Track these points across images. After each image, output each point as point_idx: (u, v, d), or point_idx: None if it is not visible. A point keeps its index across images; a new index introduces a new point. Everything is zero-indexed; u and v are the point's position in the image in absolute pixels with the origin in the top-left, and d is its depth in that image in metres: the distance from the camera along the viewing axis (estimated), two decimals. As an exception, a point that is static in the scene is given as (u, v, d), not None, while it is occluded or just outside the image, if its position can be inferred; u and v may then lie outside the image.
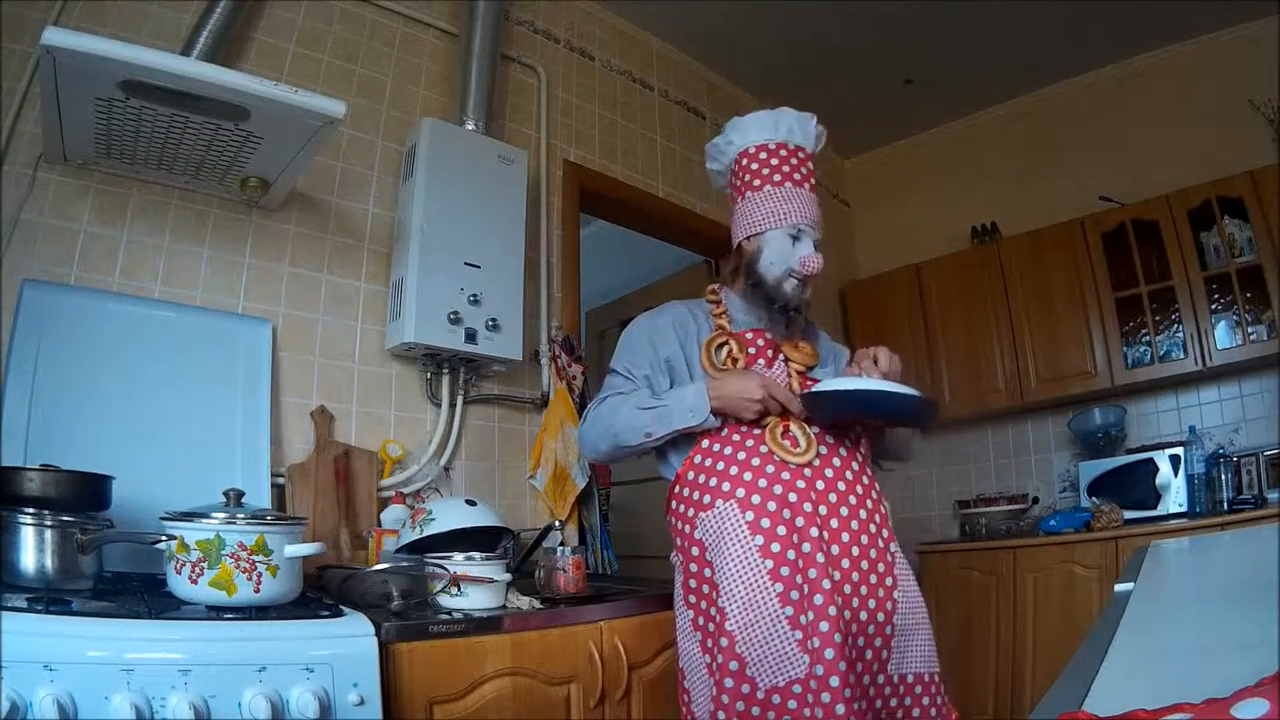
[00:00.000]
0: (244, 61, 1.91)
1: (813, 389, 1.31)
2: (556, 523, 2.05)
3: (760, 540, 1.22)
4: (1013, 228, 3.39)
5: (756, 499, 1.25)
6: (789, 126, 1.46)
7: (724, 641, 1.20)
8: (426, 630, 1.27)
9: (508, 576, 1.48)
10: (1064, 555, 2.71)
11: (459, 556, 1.43)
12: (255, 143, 1.56)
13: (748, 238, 1.42)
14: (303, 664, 1.07)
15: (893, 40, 3.11)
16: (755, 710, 1.17)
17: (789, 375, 1.41)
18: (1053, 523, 2.82)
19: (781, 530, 1.23)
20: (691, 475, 1.34)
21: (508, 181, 2.16)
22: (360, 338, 2.02)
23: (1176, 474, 2.73)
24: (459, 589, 1.41)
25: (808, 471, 1.28)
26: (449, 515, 1.53)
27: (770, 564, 1.21)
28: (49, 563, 1.11)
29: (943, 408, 3.40)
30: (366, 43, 2.19)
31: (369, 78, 2.17)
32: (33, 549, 1.10)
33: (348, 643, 1.15)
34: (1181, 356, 2.86)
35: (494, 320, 2.02)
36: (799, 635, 1.17)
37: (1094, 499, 2.86)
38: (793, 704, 1.15)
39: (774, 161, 1.43)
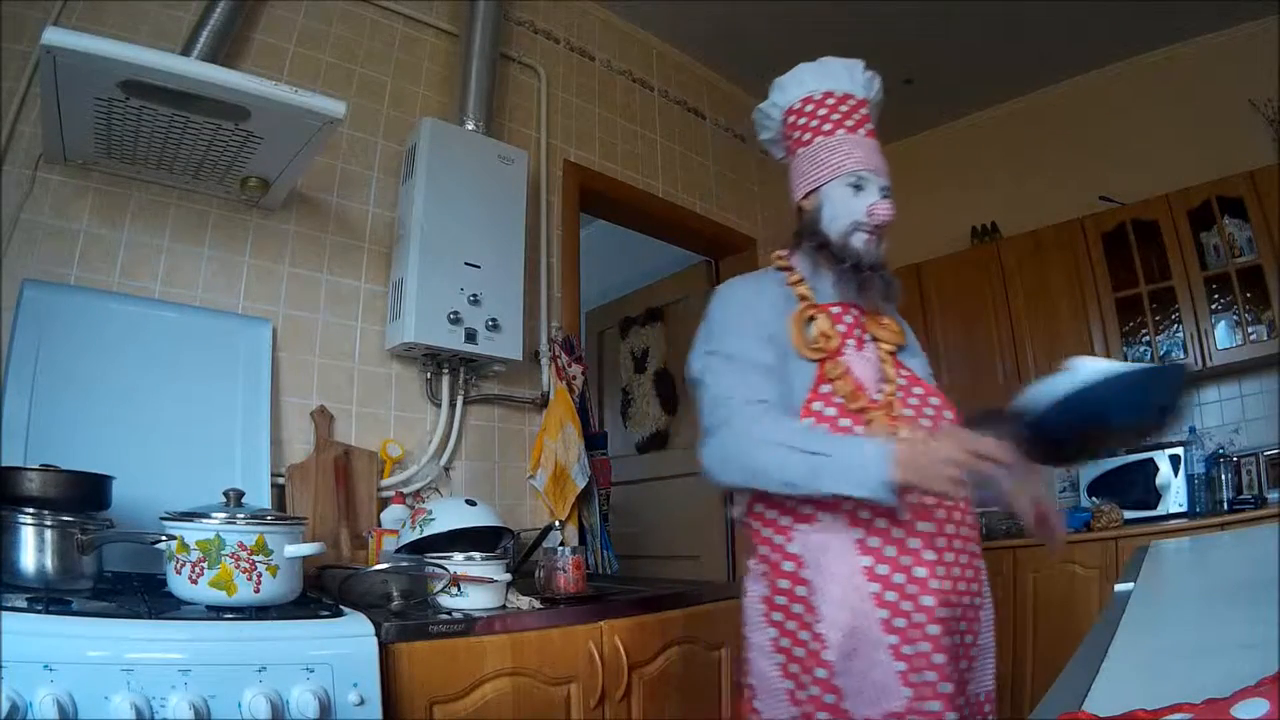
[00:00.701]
0: (244, 61, 1.91)
1: (1032, 408, 1.01)
2: (556, 523, 2.05)
3: (868, 560, 1.08)
4: (1013, 228, 3.39)
5: (865, 513, 1.08)
6: (835, 74, 1.31)
7: (820, 672, 1.08)
8: (426, 630, 1.27)
9: (508, 576, 1.48)
10: (1064, 555, 2.71)
11: (459, 556, 1.43)
12: (255, 143, 1.56)
13: (805, 196, 1.26)
14: (303, 664, 1.07)
15: (893, 40, 3.11)
16: None
17: (880, 359, 1.20)
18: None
19: (891, 551, 1.08)
20: None
21: (508, 181, 2.16)
22: (360, 338, 2.02)
23: (1176, 474, 2.73)
24: (459, 589, 1.41)
25: (938, 511, 1.12)
26: (449, 515, 1.53)
27: (877, 587, 1.07)
28: (49, 563, 1.11)
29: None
30: (366, 43, 2.19)
31: (369, 78, 2.17)
32: (33, 549, 1.10)
33: (348, 643, 1.15)
34: (1182, 356, 2.85)
35: (494, 320, 2.02)
36: (902, 667, 1.05)
37: (1094, 499, 2.86)
38: None
39: (822, 112, 1.28)
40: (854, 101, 1.30)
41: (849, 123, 1.27)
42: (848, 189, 1.22)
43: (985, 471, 0.96)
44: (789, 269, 1.27)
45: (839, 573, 1.09)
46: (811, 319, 1.19)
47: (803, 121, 1.30)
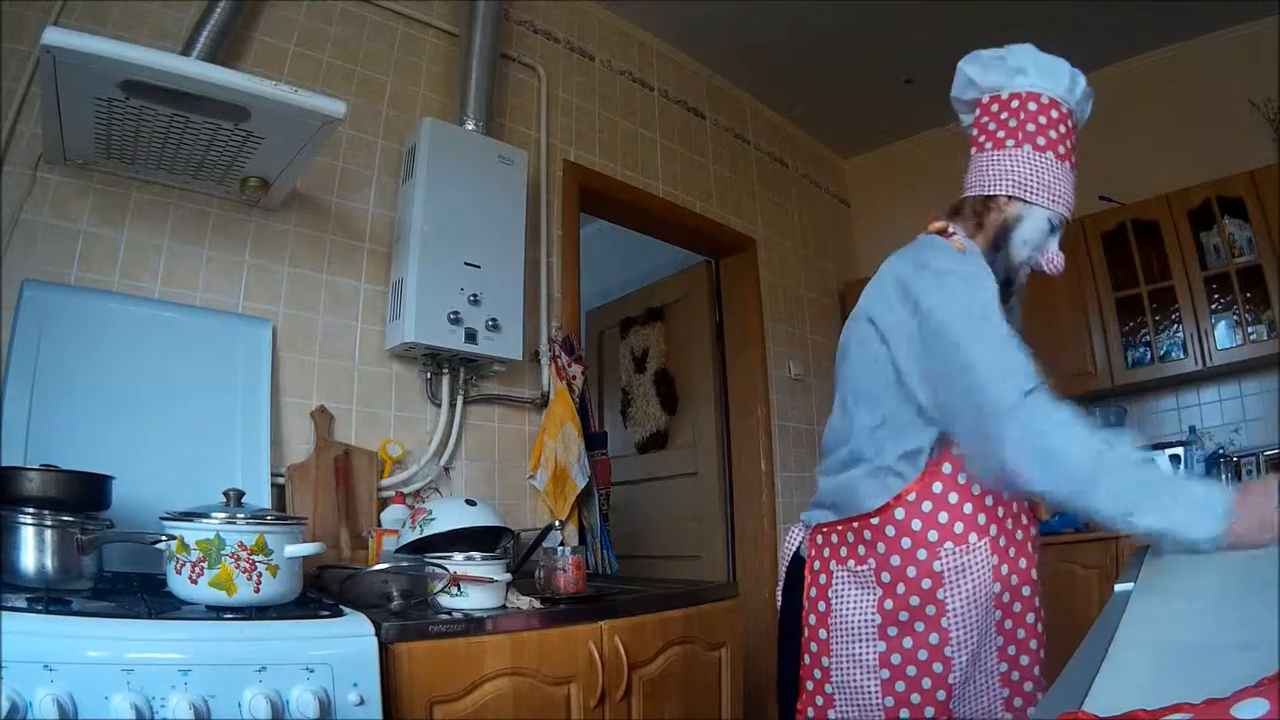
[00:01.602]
0: (244, 61, 1.91)
1: None
2: (556, 523, 2.05)
3: (997, 588, 1.08)
4: (1013, 228, 3.38)
5: (1003, 540, 1.09)
6: (1081, 93, 1.23)
7: (940, 694, 1.06)
8: (426, 630, 1.27)
9: (508, 576, 1.48)
10: (1064, 555, 2.71)
11: (459, 556, 1.43)
12: (255, 143, 1.56)
13: (1011, 197, 1.19)
14: (303, 664, 1.07)
15: (893, 40, 3.11)
16: None
17: None
18: (1053, 522, 2.81)
19: (1014, 580, 1.11)
20: (955, 497, 1.09)
21: (508, 181, 2.16)
22: (360, 338, 2.02)
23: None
24: (459, 589, 1.41)
25: (1023, 519, 1.15)
26: (449, 515, 1.53)
27: (999, 614, 1.09)
28: (49, 563, 1.11)
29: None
30: (366, 43, 2.19)
31: (369, 78, 2.17)
32: (33, 549, 1.10)
33: (348, 643, 1.15)
34: (1181, 356, 2.86)
35: (494, 320, 2.02)
36: (1006, 693, 1.10)
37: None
38: None
39: (1061, 129, 1.19)
40: (1071, 124, 1.23)
41: (1072, 159, 1.21)
42: (1048, 224, 1.19)
43: None
44: (962, 249, 1.18)
45: (976, 599, 1.07)
46: None
47: (1042, 121, 1.19)
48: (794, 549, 1.28)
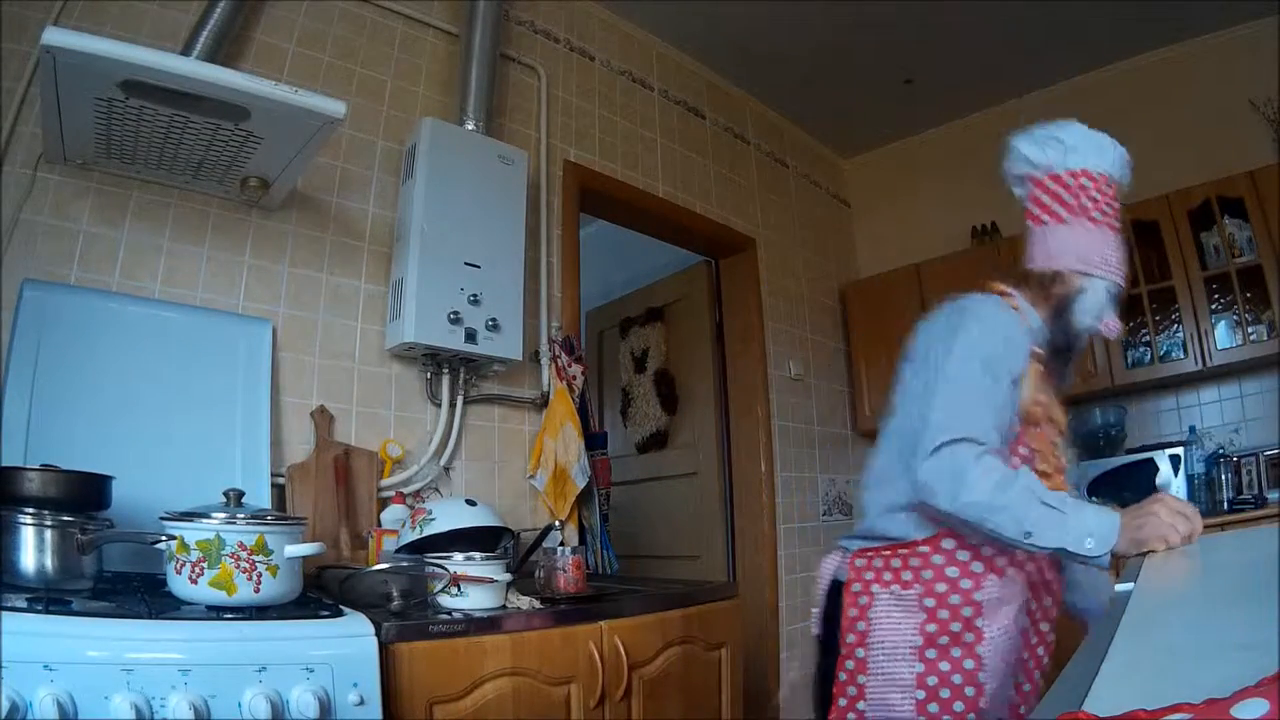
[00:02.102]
0: (244, 61, 1.91)
1: None
2: (556, 523, 2.05)
3: (1026, 621, 1.19)
4: (1013, 228, 3.38)
5: (1035, 574, 1.19)
6: (1117, 161, 1.36)
7: (971, 717, 1.12)
8: (426, 630, 1.27)
9: (508, 576, 1.48)
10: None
11: (459, 556, 1.43)
12: (255, 143, 1.56)
13: (1075, 271, 1.28)
14: (303, 664, 1.07)
15: (893, 40, 3.11)
16: None
17: (1052, 447, 1.24)
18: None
19: (1039, 614, 1.22)
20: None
21: (508, 181, 2.16)
22: (360, 338, 2.02)
23: (1176, 474, 2.73)
24: (459, 589, 1.41)
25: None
26: (449, 515, 1.53)
27: (1025, 653, 1.21)
28: (49, 563, 1.11)
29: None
30: (366, 43, 2.19)
31: (369, 78, 2.17)
32: (33, 549, 1.10)
33: (348, 643, 1.15)
34: (1181, 356, 2.86)
35: (494, 320, 2.02)
36: (1024, 710, 1.18)
37: (1094, 499, 2.86)
38: None
39: (1113, 202, 1.31)
40: (1119, 201, 1.34)
41: (1116, 222, 1.31)
42: (1106, 294, 1.28)
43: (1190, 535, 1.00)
44: (1019, 313, 1.27)
45: (1008, 629, 1.15)
46: (1033, 375, 1.23)
47: (1097, 197, 1.30)
48: (830, 575, 1.32)
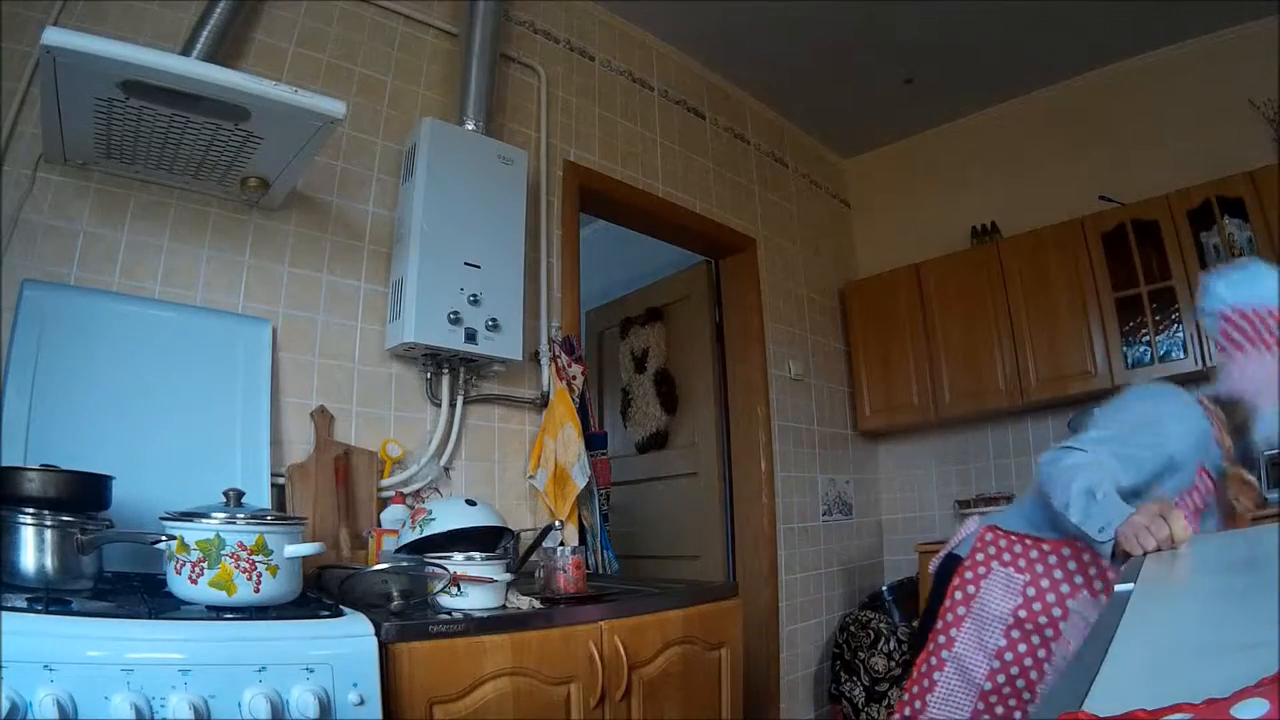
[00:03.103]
0: (244, 61, 1.91)
1: None
2: (556, 523, 2.05)
3: (1094, 617, 1.28)
4: (1012, 228, 3.39)
5: (1080, 579, 1.30)
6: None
7: (1026, 695, 1.26)
8: (426, 630, 1.27)
9: (508, 576, 1.48)
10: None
11: (459, 556, 1.43)
12: (255, 143, 1.56)
13: (1244, 392, 1.40)
14: (303, 664, 1.07)
15: (893, 40, 3.11)
16: None
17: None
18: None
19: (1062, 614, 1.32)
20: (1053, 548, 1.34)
21: (508, 181, 2.16)
22: (360, 338, 2.02)
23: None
24: (459, 589, 1.41)
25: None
26: (449, 515, 1.53)
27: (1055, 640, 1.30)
28: (49, 563, 1.11)
29: (943, 407, 3.40)
30: (366, 43, 2.19)
31: (369, 78, 2.17)
32: (33, 549, 1.10)
33: (348, 643, 1.15)
34: (1181, 356, 2.85)
35: (494, 320, 2.02)
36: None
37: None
38: None
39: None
40: None
41: None
42: (1275, 418, 1.36)
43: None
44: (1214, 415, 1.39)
45: (1078, 641, 1.23)
46: (1227, 478, 1.35)
47: (1273, 328, 1.38)
48: (960, 540, 1.48)
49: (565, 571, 1.67)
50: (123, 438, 1.51)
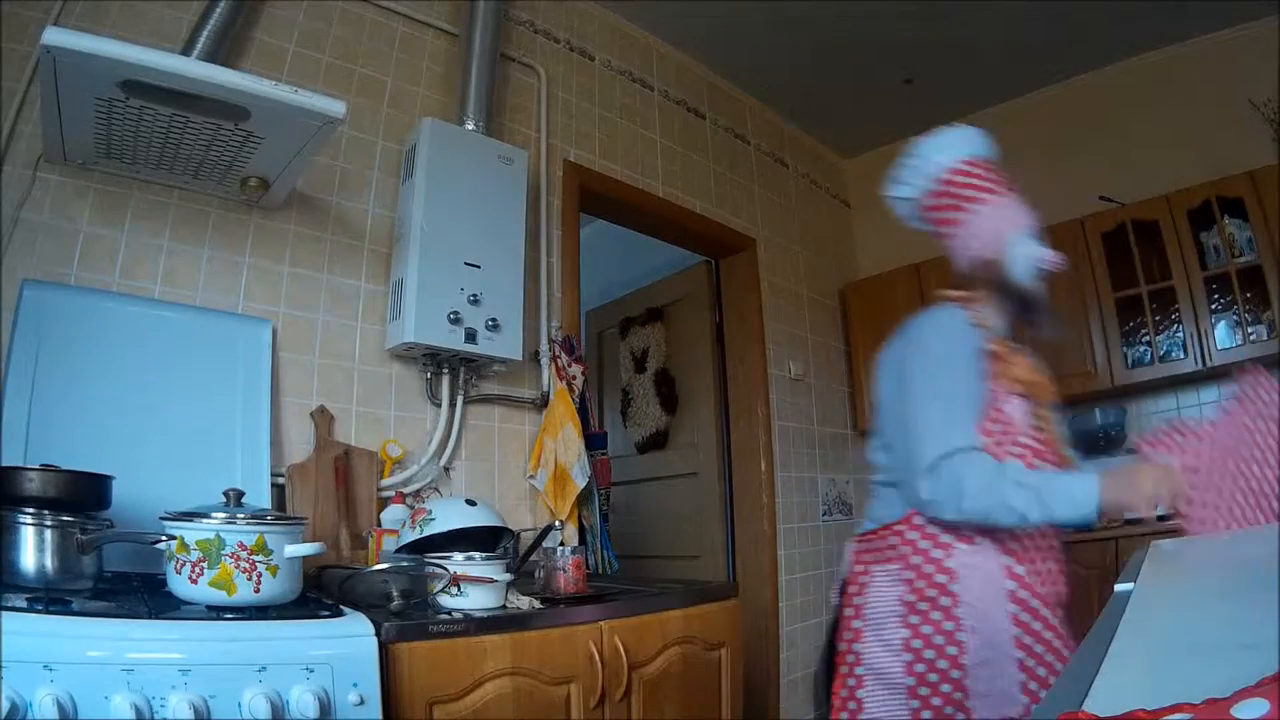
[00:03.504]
0: (244, 61, 1.91)
1: None
2: (556, 523, 2.06)
3: (1010, 585, 1.24)
4: (1012, 228, 3.38)
5: (1014, 544, 1.26)
6: (982, 142, 1.49)
7: (954, 673, 1.22)
8: (426, 630, 1.27)
9: (508, 576, 1.48)
10: (1064, 555, 2.70)
11: (459, 556, 1.43)
12: (255, 143, 1.56)
13: (991, 248, 1.41)
14: (303, 664, 1.07)
15: (893, 40, 3.11)
16: None
17: (1035, 416, 1.33)
18: (1053, 523, 2.81)
19: (1030, 578, 1.27)
20: None
21: (508, 181, 2.16)
22: (360, 338, 2.02)
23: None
24: (459, 589, 1.41)
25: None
26: (449, 515, 1.53)
27: (1014, 609, 1.24)
28: (49, 563, 1.11)
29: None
30: (366, 43, 2.19)
31: (369, 78, 2.17)
32: (33, 549, 1.10)
33: (348, 643, 1.15)
34: (1181, 356, 2.85)
35: (494, 320, 2.02)
36: (1023, 678, 1.21)
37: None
38: None
39: (988, 175, 1.43)
40: (988, 163, 1.47)
41: (998, 187, 1.43)
42: (1027, 239, 1.38)
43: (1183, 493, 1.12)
44: (973, 310, 1.39)
45: (986, 592, 1.23)
46: (997, 356, 1.33)
47: (974, 181, 1.43)
48: (845, 565, 1.45)
49: (565, 571, 1.67)
50: (123, 438, 1.51)
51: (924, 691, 1.23)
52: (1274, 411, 1.11)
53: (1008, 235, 1.38)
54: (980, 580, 1.24)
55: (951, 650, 1.22)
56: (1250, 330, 2.74)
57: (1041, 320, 1.42)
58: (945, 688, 1.21)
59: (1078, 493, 1.16)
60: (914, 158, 1.49)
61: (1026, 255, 1.37)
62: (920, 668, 1.24)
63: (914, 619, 1.26)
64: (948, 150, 1.45)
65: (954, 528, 1.24)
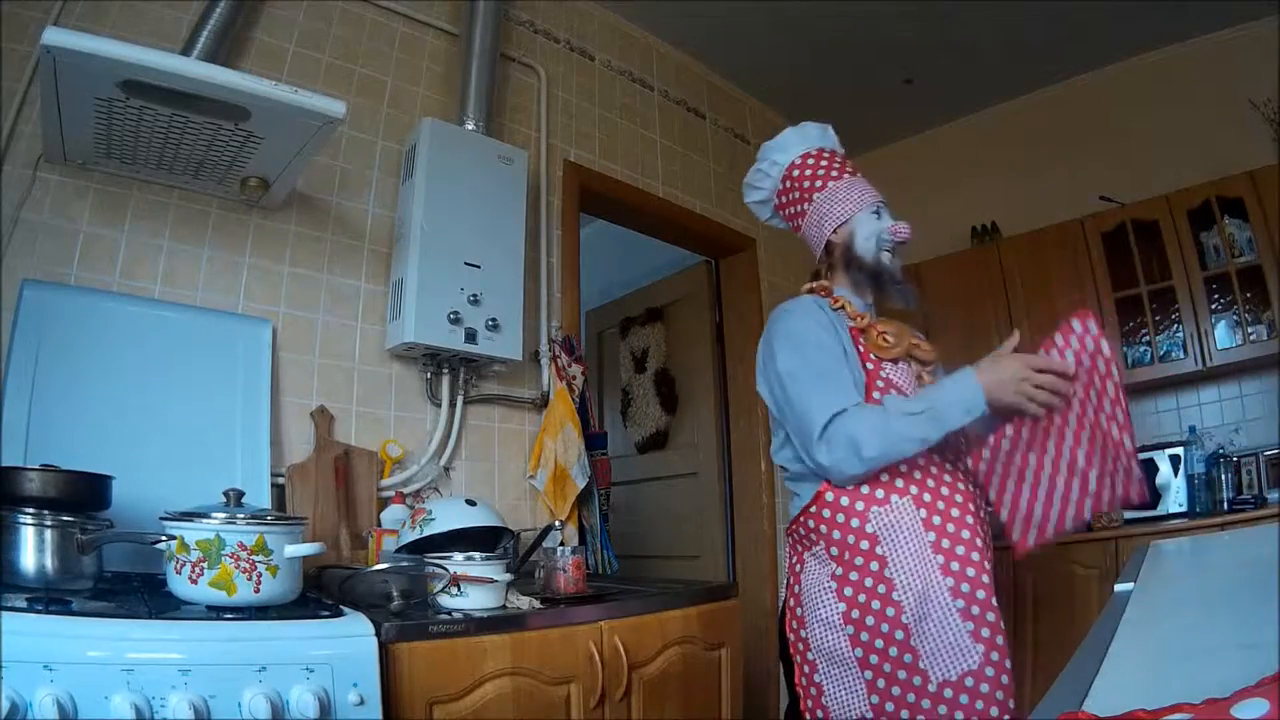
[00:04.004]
0: (244, 61, 1.91)
1: None
2: (556, 523, 2.05)
3: (932, 536, 1.24)
4: (1013, 228, 3.38)
5: (927, 496, 1.27)
6: (818, 135, 1.54)
7: (898, 634, 1.21)
8: (426, 630, 1.27)
9: (508, 576, 1.48)
10: (1064, 555, 2.71)
11: (459, 556, 1.43)
12: (255, 143, 1.56)
13: (835, 230, 1.46)
14: (303, 664, 1.07)
15: (893, 40, 3.11)
16: (925, 704, 1.18)
17: (914, 373, 1.39)
18: (1052, 523, 2.81)
19: (950, 527, 1.26)
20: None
21: (508, 181, 2.16)
22: (360, 338, 2.02)
23: (1176, 474, 2.73)
24: (459, 589, 1.41)
25: (957, 467, 1.33)
26: (449, 515, 1.53)
27: (941, 559, 1.23)
28: (49, 563, 1.11)
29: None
30: (366, 43, 2.19)
31: (369, 78, 2.17)
32: (33, 549, 1.10)
33: (348, 643, 1.15)
34: (1181, 356, 2.85)
35: (494, 320, 2.02)
36: (970, 626, 1.20)
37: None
38: (964, 698, 1.17)
39: (823, 163, 1.49)
40: (841, 155, 1.54)
41: (848, 170, 1.49)
42: (872, 216, 1.44)
43: (1056, 369, 1.21)
44: (830, 295, 1.44)
45: (911, 548, 1.23)
46: (864, 331, 1.38)
47: (809, 172, 1.49)
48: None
49: (565, 571, 1.67)
50: (123, 438, 1.51)
51: (874, 660, 1.23)
52: (1097, 358, 1.25)
53: (852, 216, 1.43)
54: (903, 538, 1.24)
55: (890, 612, 1.22)
56: (1250, 330, 2.74)
57: (895, 291, 1.44)
58: (893, 651, 1.21)
59: (963, 391, 1.20)
60: (760, 161, 1.56)
61: (868, 231, 1.42)
62: (865, 637, 1.24)
63: (848, 590, 1.27)
64: (787, 149, 1.52)
65: (866, 493, 1.26)
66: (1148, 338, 2.96)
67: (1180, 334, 2.87)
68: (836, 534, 1.29)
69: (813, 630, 1.31)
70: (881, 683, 1.22)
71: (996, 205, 3.53)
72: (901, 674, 1.20)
